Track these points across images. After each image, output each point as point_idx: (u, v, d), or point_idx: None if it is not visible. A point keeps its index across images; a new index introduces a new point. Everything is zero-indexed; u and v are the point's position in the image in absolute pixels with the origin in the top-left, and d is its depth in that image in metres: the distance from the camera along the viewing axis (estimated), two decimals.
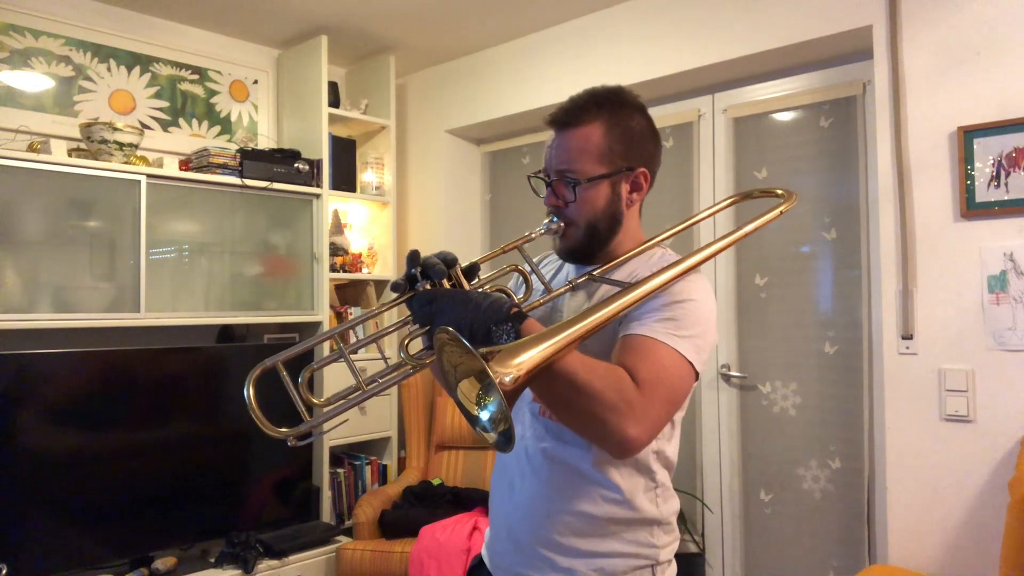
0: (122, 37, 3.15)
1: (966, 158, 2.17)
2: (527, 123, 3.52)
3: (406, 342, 1.04)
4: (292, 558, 2.94)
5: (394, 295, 1.06)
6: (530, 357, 0.89)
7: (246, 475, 3.11)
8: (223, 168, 3.05)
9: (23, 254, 2.62)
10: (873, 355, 2.53)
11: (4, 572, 2.36)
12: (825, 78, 2.69)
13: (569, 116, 1.18)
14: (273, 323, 3.30)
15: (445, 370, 0.92)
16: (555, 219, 1.19)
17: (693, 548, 2.91)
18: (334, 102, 3.46)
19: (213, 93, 3.45)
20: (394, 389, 3.49)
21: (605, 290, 1.18)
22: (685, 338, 1.07)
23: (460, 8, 3.12)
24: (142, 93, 3.22)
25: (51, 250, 2.68)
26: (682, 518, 2.86)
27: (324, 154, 3.36)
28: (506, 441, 0.87)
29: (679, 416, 1.20)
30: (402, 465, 3.53)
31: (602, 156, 1.16)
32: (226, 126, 3.49)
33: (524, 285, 1.19)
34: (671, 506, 1.20)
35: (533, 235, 1.19)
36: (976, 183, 2.15)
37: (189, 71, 3.37)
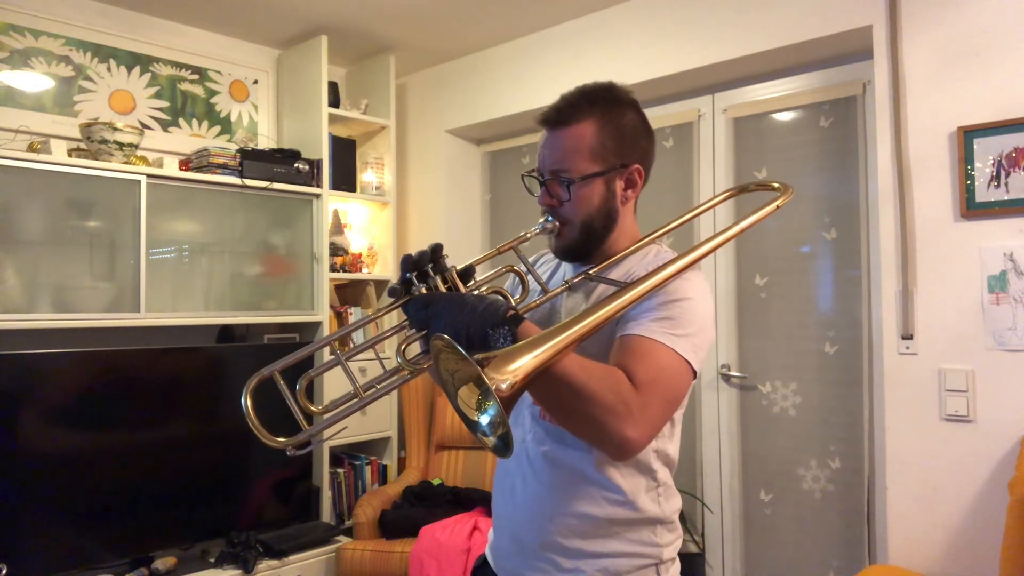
0: (122, 37, 3.15)
1: (966, 158, 2.16)
2: (527, 123, 3.52)
3: (403, 347, 1.03)
4: (292, 558, 2.94)
5: (391, 300, 1.06)
6: (526, 363, 0.88)
7: (246, 475, 3.11)
8: (223, 168, 3.05)
9: (23, 254, 2.62)
10: (873, 355, 2.53)
11: (4, 572, 2.37)
12: (825, 78, 2.69)
13: (561, 115, 1.18)
14: (273, 323, 3.30)
15: (443, 378, 0.91)
16: (550, 218, 1.18)
17: (693, 548, 2.90)
18: (334, 102, 3.46)
19: (213, 93, 3.45)
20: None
21: (603, 289, 1.17)
22: (682, 337, 1.06)
23: (460, 8, 3.12)
24: (142, 93, 3.22)
25: (51, 250, 2.68)
26: (682, 518, 2.85)
27: (324, 154, 3.36)
28: (504, 446, 0.86)
29: (679, 414, 1.19)
30: (402, 465, 3.53)
31: (595, 154, 1.16)
32: (226, 126, 3.49)
33: (521, 286, 1.18)
34: (673, 504, 1.20)
35: (528, 235, 1.18)
36: (976, 183, 2.15)
37: (189, 71, 3.38)
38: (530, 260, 1.21)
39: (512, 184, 3.76)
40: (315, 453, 3.29)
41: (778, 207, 1.30)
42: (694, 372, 1.08)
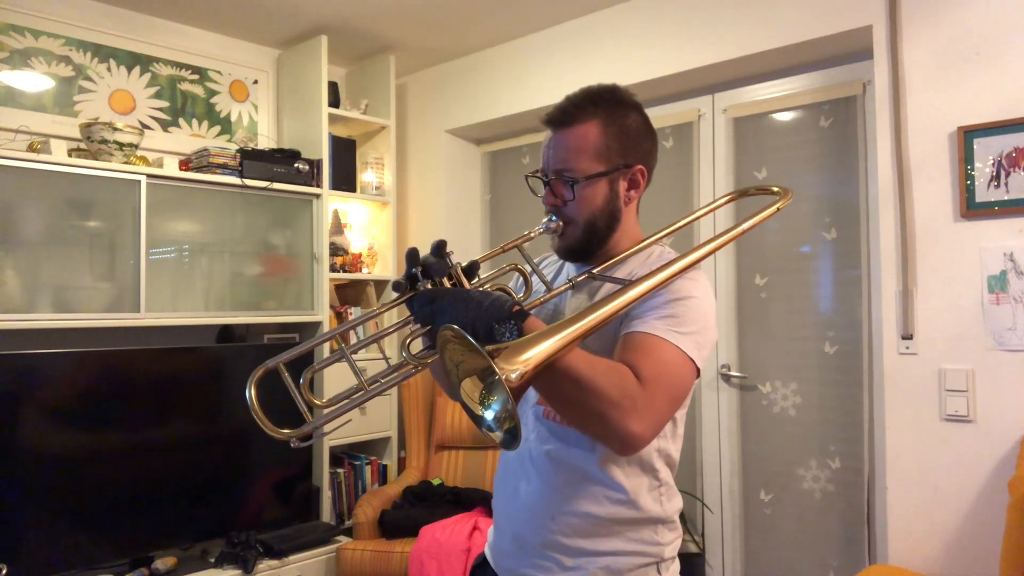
0: (122, 37, 3.15)
1: (966, 158, 2.17)
2: (527, 123, 3.52)
3: (407, 342, 1.03)
4: (292, 558, 2.94)
5: (395, 295, 1.07)
6: (536, 353, 0.88)
7: (246, 475, 3.11)
8: (223, 168, 3.05)
9: (23, 254, 2.62)
10: (873, 355, 2.53)
11: (4, 572, 2.36)
12: (825, 78, 2.69)
13: (565, 115, 1.18)
14: (273, 323, 3.30)
15: (447, 369, 0.92)
16: (554, 218, 1.19)
17: (693, 548, 2.90)
18: (334, 102, 3.46)
19: (213, 93, 3.45)
20: (394, 389, 3.49)
21: (607, 288, 1.18)
22: (686, 335, 1.07)
23: (460, 8, 3.12)
24: (142, 93, 3.22)
25: (51, 250, 2.68)
26: (682, 518, 2.85)
27: (324, 154, 3.36)
28: (512, 439, 0.86)
29: (681, 414, 1.20)
30: (402, 465, 3.53)
31: (599, 154, 1.17)
32: (226, 126, 3.49)
33: (524, 285, 1.19)
34: (674, 504, 1.21)
35: (532, 234, 1.19)
36: (976, 183, 2.15)
37: (189, 71, 3.38)
38: (534, 261, 1.21)
39: (512, 184, 3.76)
40: (315, 453, 3.29)
41: (779, 209, 1.31)
42: (698, 369, 1.09)
